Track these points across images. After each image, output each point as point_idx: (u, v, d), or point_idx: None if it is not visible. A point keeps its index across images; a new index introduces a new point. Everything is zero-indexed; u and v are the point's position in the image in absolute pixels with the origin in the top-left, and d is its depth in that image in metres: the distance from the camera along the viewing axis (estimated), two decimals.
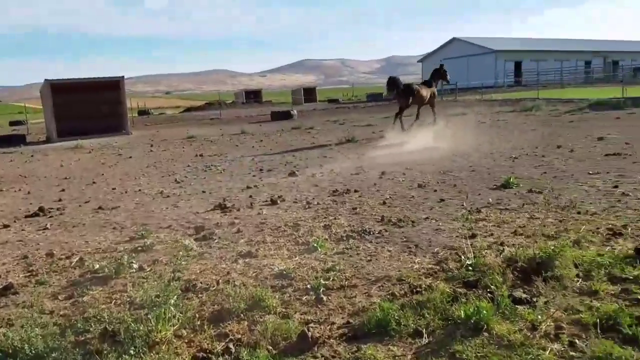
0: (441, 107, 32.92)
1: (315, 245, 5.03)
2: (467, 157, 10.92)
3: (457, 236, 5.17)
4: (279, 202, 7.52)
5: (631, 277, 3.62)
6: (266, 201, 7.69)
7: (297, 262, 4.69)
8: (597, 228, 5.05)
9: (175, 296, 3.53)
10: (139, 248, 5.42)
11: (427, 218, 6.05)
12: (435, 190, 7.67)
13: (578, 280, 3.68)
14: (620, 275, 3.69)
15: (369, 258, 4.69)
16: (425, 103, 17.02)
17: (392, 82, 16.67)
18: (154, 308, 3.35)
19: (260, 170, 11.17)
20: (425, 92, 16.74)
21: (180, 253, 4.90)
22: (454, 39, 62.92)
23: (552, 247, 4.06)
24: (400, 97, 16.31)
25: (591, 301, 3.34)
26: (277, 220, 6.45)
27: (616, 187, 6.94)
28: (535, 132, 14.98)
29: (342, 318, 3.43)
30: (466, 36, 64.06)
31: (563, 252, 3.98)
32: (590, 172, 8.15)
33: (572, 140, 12.44)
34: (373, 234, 5.47)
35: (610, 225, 5.09)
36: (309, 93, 60.87)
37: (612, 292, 3.45)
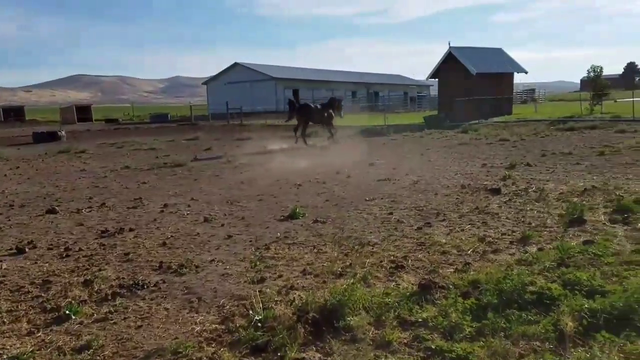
0: (228, 130, 33.11)
1: (68, 311, 3.96)
2: (255, 185, 10.67)
3: (245, 281, 4.65)
4: (27, 249, 6.04)
5: (420, 320, 3.55)
6: (10, 249, 6.12)
7: (39, 339, 3.57)
8: (381, 261, 5.07)
9: None
10: None
11: (212, 260, 5.41)
12: (223, 225, 7.09)
13: (371, 329, 3.46)
14: (409, 319, 3.59)
15: (139, 323, 3.83)
16: (321, 123, 20.83)
17: (290, 102, 20.62)
18: None
19: (11, 206, 9.14)
20: (323, 113, 20.39)
21: None
22: (236, 64, 64.17)
23: (343, 290, 3.82)
24: (298, 114, 20.02)
25: (386, 356, 3.12)
26: (20, 276, 5.07)
27: (391, 213, 7.32)
28: (316, 159, 15.64)
29: None
30: (248, 62, 65.96)
31: (353, 295, 3.77)
32: (367, 199, 8.56)
33: (347, 166, 13.25)
34: (148, 287, 4.60)
35: (392, 257, 5.18)
36: (84, 111, 55.20)
37: (405, 341, 3.30)
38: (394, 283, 4.45)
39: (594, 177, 9.35)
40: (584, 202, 7.20)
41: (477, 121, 26.96)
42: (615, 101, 43.82)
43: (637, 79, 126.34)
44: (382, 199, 8.56)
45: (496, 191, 8.43)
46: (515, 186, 8.89)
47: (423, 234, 6.07)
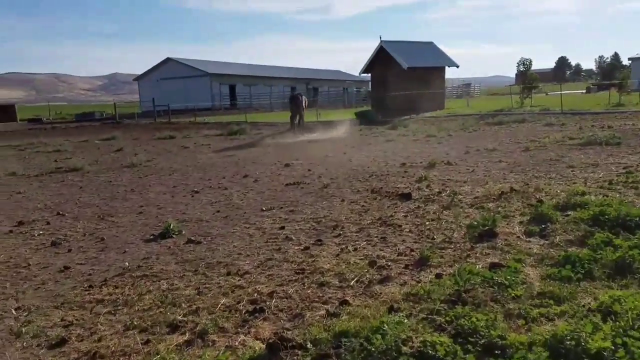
0: (152, 129, 31.02)
1: None
2: (145, 193, 9.31)
3: (40, 345, 3.39)
4: None
5: None
6: None
7: None
8: (238, 302, 3.94)
9: None
10: None
11: (20, 308, 4.09)
12: (70, 250, 5.74)
13: None
14: None
15: None
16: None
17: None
18: None
19: None
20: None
21: None
22: (168, 59, 61.48)
23: None
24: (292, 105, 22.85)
25: None
26: None
27: (283, 228, 6.22)
28: (231, 159, 14.37)
29: None
30: (181, 57, 63.32)
31: None
32: (264, 209, 7.42)
33: (262, 168, 12.08)
34: None
35: (256, 294, 4.06)
36: (5, 111, 51.04)
37: None
38: (241, 338, 3.33)
39: (515, 177, 8.65)
40: (500, 208, 6.37)
41: (409, 116, 26.48)
42: (547, 94, 45.09)
43: (567, 72, 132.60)
44: (281, 208, 7.44)
45: (406, 196, 7.51)
46: (429, 189, 8.01)
47: (308, 256, 4.99)
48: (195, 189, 9.37)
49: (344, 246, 5.26)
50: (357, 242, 5.39)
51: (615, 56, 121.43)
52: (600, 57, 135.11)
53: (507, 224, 5.62)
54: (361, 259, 4.78)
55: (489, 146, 12.70)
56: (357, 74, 37.09)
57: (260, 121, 31.38)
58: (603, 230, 4.86)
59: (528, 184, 7.76)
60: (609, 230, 4.85)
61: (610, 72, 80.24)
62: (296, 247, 5.33)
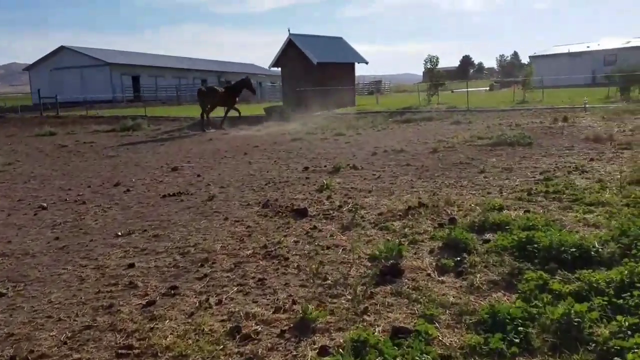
0: (34, 124, 27.45)
1: None
2: None
3: None
4: None
5: None
6: None
7: None
8: None
9: None
10: None
11: None
12: None
13: None
14: None
15: None
16: (223, 104, 21.25)
17: (199, 91, 21.52)
18: None
19: None
20: (226, 96, 21.02)
21: None
22: (62, 48, 56.14)
23: None
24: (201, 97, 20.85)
25: None
26: None
27: (132, 265, 4.69)
28: (110, 162, 12.40)
29: None
30: (77, 46, 58.08)
31: None
32: (121, 233, 5.82)
33: (143, 173, 10.33)
34: None
35: None
36: None
37: None
38: None
39: (424, 184, 7.69)
40: (407, 229, 5.28)
41: (320, 112, 25.46)
42: (452, 91, 46.15)
43: (471, 70, 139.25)
44: (144, 231, 5.88)
45: (302, 213, 6.24)
46: (329, 202, 6.81)
47: (147, 319, 3.53)
48: (44, 204, 7.50)
49: (205, 297, 3.86)
50: (225, 289, 4.01)
51: (515, 55, 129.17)
52: (501, 55, 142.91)
53: (415, 254, 4.50)
54: (222, 322, 3.41)
55: (396, 147, 11.80)
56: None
57: (161, 115, 28.97)
58: (534, 267, 3.86)
59: (438, 195, 6.78)
60: (540, 266, 3.86)
61: (511, 70, 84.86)
62: (137, 302, 3.85)
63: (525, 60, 67.24)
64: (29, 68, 61.13)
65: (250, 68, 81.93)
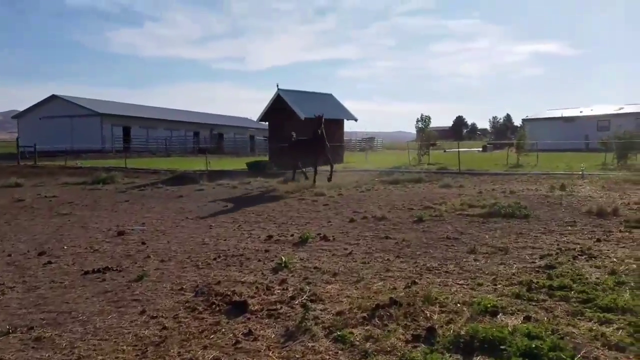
0: (5, 174, 26.13)
1: None
2: None
3: None
4: None
5: None
6: None
7: None
8: None
9: None
10: None
11: None
12: None
13: None
14: None
15: None
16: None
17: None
18: None
19: None
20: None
21: None
22: (53, 97, 55.79)
23: None
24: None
25: None
26: None
27: None
28: (57, 222, 11.04)
29: None
30: (68, 95, 57.81)
31: None
32: None
33: (84, 237, 8.98)
34: None
35: None
36: None
37: None
38: None
39: (402, 266, 6.37)
40: (369, 342, 3.93)
41: (304, 169, 24.37)
42: (445, 151, 45.61)
43: (464, 131, 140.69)
44: (29, 329, 4.50)
45: (240, 307, 4.87)
46: (281, 289, 5.46)
47: None
48: None
49: None
50: None
51: (508, 117, 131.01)
52: (494, 117, 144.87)
53: None
54: None
55: (378, 213, 10.53)
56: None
57: (141, 167, 27.81)
58: None
59: (417, 285, 5.46)
60: None
61: (504, 131, 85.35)
62: None
63: (517, 122, 67.44)
64: (18, 116, 60.59)
65: (243, 121, 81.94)
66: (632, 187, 14.31)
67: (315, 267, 6.43)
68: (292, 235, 8.67)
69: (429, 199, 13.03)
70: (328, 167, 19.25)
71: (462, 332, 3.96)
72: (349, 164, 28.60)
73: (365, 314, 4.55)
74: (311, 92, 30.80)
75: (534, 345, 3.54)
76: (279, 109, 28.06)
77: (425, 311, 4.58)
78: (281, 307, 4.87)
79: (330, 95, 32.06)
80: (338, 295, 5.24)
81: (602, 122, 44.85)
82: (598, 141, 29.99)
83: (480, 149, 52.48)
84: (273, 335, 4.19)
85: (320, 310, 4.76)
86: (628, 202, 11.40)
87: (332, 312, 4.69)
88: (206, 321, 4.61)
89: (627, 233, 7.99)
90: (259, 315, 4.68)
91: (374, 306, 4.67)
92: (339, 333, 4.13)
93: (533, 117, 53.75)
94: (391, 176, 19.74)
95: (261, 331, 4.29)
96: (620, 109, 47.67)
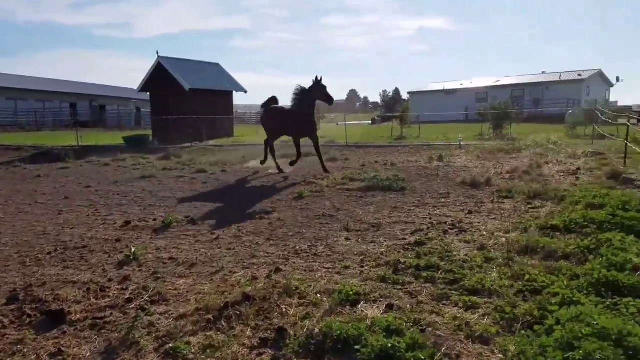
0: None
1: None
2: None
3: None
4: None
5: None
6: None
7: None
8: None
9: None
10: None
11: None
12: None
13: None
14: None
15: None
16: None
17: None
18: None
19: None
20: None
21: None
22: None
23: None
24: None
25: None
26: None
27: None
28: None
29: None
30: None
31: None
32: None
33: None
34: None
35: None
36: None
37: None
38: None
39: (270, 251, 5.79)
40: (206, 353, 3.29)
41: (190, 144, 23.04)
42: (338, 124, 45.90)
43: (357, 104, 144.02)
44: None
45: (57, 318, 3.98)
46: (119, 289, 4.62)
47: None
48: None
49: None
50: None
51: (397, 91, 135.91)
52: (384, 91, 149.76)
53: None
54: None
55: (257, 191, 9.89)
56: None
57: (3, 144, 24.59)
58: None
59: (279, 273, 4.90)
60: None
61: (393, 105, 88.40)
62: None
63: (405, 96, 70.01)
64: None
65: (129, 92, 76.34)
66: (505, 156, 15.01)
67: (170, 258, 5.64)
68: (154, 219, 7.74)
69: (312, 174, 12.62)
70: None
71: (316, 331, 3.46)
72: (239, 138, 27.55)
73: (211, 316, 3.89)
74: (197, 60, 29.06)
75: (390, 345, 3.11)
76: (162, 79, 26.14)
77: (282, 306, 4.03)
78: (111, 314, 4.06)
79: (217, 65, 30.53)
80: (188, 292, 4.52)
81: (481, 94, 47.66)
82: (476, 112, 31.66)
83: (370, 122, 53.68)
84: (88, 354, 3.39)
85: (160, 314, 4.02)
86: (501, 171, 11.82)
87: (174, 315, 3.98)
88: (7, 339, 3.67)
89: (498, 204, 8.08)
90: (79, 327, 3.84)
91: (222, 305, 4.02)
92: (171, 345, 3.43)
93: (417, 90, 55.84)
94: (280, 151, 19.14)
95: (75, 349, 3.47)
96: (497, 81, 50.97)
